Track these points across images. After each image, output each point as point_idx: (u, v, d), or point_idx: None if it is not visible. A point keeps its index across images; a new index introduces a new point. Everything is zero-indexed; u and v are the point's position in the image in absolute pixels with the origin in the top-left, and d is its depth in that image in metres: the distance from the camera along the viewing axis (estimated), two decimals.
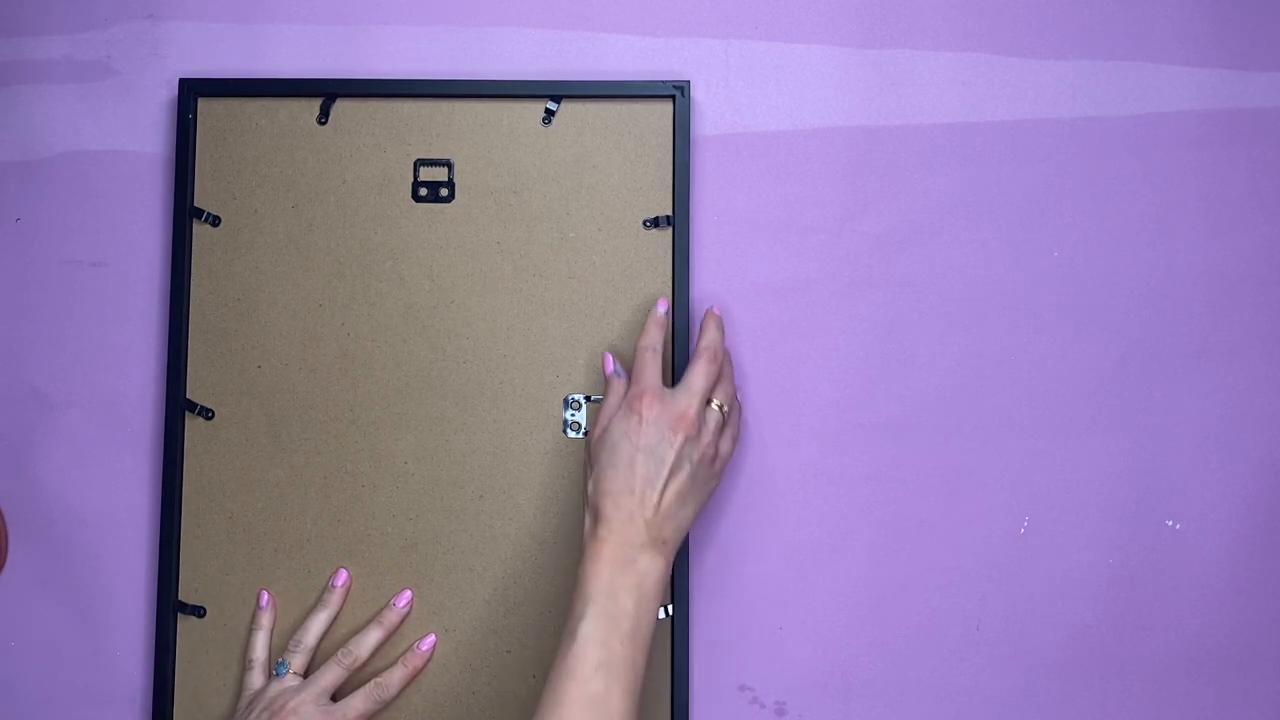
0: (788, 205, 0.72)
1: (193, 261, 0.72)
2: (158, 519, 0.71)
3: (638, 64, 0.73)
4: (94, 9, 0.74)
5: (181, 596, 0.70)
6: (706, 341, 0.66)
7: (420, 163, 0.72)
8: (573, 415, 0.70)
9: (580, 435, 0.71)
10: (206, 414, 0.71)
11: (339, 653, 0.68)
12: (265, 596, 0.70)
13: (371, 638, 0.68)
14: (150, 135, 0.73)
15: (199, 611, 0.70)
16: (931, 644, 0.70)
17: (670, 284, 0.70)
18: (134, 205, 0.73)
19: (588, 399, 0.70)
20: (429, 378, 0.71)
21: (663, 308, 0.68)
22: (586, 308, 0.71)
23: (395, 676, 0.68)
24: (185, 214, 0.71)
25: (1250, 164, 0.72)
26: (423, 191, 0.72)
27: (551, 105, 0.71)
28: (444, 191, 0.72)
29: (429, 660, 0.69)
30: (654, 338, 0.67)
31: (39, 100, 0.74)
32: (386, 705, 0.68)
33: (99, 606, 0.71)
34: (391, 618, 0.69)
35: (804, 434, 0.71)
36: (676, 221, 0.70)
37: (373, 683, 0.68)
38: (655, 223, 0.71)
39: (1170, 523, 0.71)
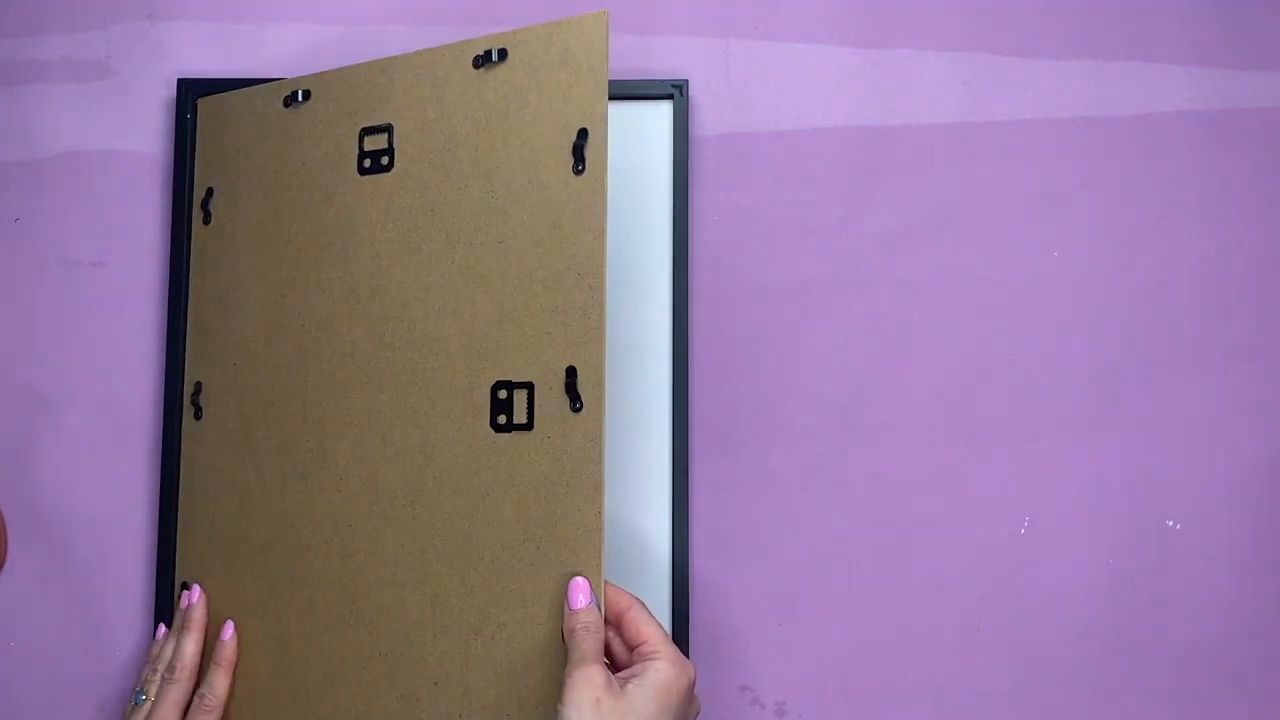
0: (788, 205, 0.72)
1: (189, 260, 0.71)
2: (157, 519, 0.71)
3: (637, 63, 0.73)
4: (94, 9, 0.74)
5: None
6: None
7: (364, 131, 0.67)
8: (497, 408, 0.61)
9: (509, 431, 0.61)
10: (196, 412, 0.70)
11: (196, 700, 0.64)
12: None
13: (221, 682, 0.65)
14: (149, 135, 0.73)
15: None
16: (931, 644, 0.70)
17: (604, 238, 0.60)
18: (133, 205, 0.73)
19: (513, 385, 0.61)
20: (369, 368, 0.65)
21: (575, 602, 0.57)
22: (516, 278, 0.62)
23: (217, 681, 0.65)
24: (184, 214, 0.71)
25: (1250, 164, 0.72)
26: (366, 163, 0.66)
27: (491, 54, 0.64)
28: (385, 160, 0.66)
29: (237, 646, 0.66)
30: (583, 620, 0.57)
31: (39, 100, 0.74)
32: (224, 707, 0.65)
33: (99, 606, 0.71)
34: (227, 654, 0.65)
35: (804, 434, 0.71)
36: (676, 221, 0.70)
37: (197, 696, 0.64)
38: (579, 158, 0.61)
39: (1170, 523, 0.71)
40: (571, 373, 0.59)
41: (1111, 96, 0.73)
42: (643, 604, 0.58)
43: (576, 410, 0.59)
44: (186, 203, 0.71)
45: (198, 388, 0.70)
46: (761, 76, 0.73)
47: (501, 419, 0.61)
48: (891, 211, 0.72)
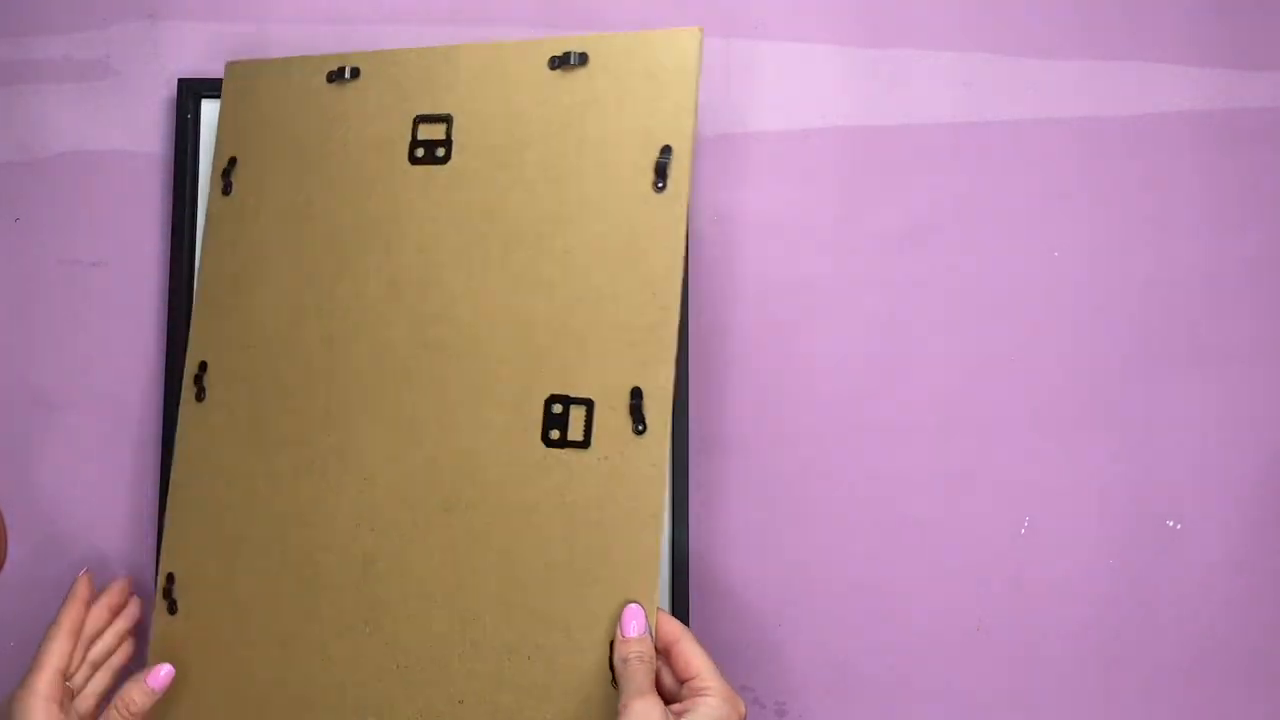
0: (788, 205, 0.72)
1: (206, 230, 0.68)
2: (158, 519, 0.71)
3: None
4: (94, 9, 0.74)
5: (174, 587, 0.67)
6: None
7: (420, 119, 0.64)
8: (551, 422, 0.59)
9: (561, 447, 0.59)
10: (199, 394, 0.66)
11: (115, 702, 0.61)
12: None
13: (144, 699, 0.62)
14: (150, 135, 0.73)
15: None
16: (931, 644, 0.70)
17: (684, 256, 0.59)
18: (134, 205, 0.73)
19: (570, 401, 0.59)
20: (407, 367, 0.62)
21: (629, 630, 0.56)
22: (581, 289, 0.60)
23: (136, 696, 0.62)
24: (184, 214, 0.71)
25: (1250, 164, 0.72)
26: (419, 152, 0.63)
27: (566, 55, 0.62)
28: (440, 151, 0.63)
29: (165, 689, 0.63)
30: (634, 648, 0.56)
31: (39, 100, 0.74)
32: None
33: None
34: (157, 684, 0.62)
35: (804, 434, 0.71)
36: None
37: (120, 702, 0.61)
38: (661, 175, 0.59)
39: (1170, 523, 0.71)
40: (637, 394, 0.58)
41: (1111, 96, 0.73)
42: (691, 634, 0.57)
43: (639, 433, 0.58)
44: (187, 202, 0.71)
45: (202, 367, 0.67)
46: (761, 76, 0.73)
47: (555, 434, 0.59)
48: (891, 211, 0.72)
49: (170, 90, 0.73)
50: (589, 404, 0.58)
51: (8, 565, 0.72)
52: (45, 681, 0.60)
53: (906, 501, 0.71)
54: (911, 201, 0.72)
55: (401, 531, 0.61)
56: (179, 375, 0.70)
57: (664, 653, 0.57)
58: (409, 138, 0.63)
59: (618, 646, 0.56)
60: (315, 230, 0.65)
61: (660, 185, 0.59)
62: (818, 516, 0.71)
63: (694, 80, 0.59)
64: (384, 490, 0.61)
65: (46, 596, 0.71)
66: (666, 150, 0.59)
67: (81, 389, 0.72)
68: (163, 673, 0.63)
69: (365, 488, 0.61)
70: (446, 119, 0.63)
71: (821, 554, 0.70)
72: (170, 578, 0.66)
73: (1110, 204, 0.72)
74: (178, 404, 0.70)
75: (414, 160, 0.63)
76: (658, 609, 0.57)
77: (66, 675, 0.62)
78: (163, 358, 0.72)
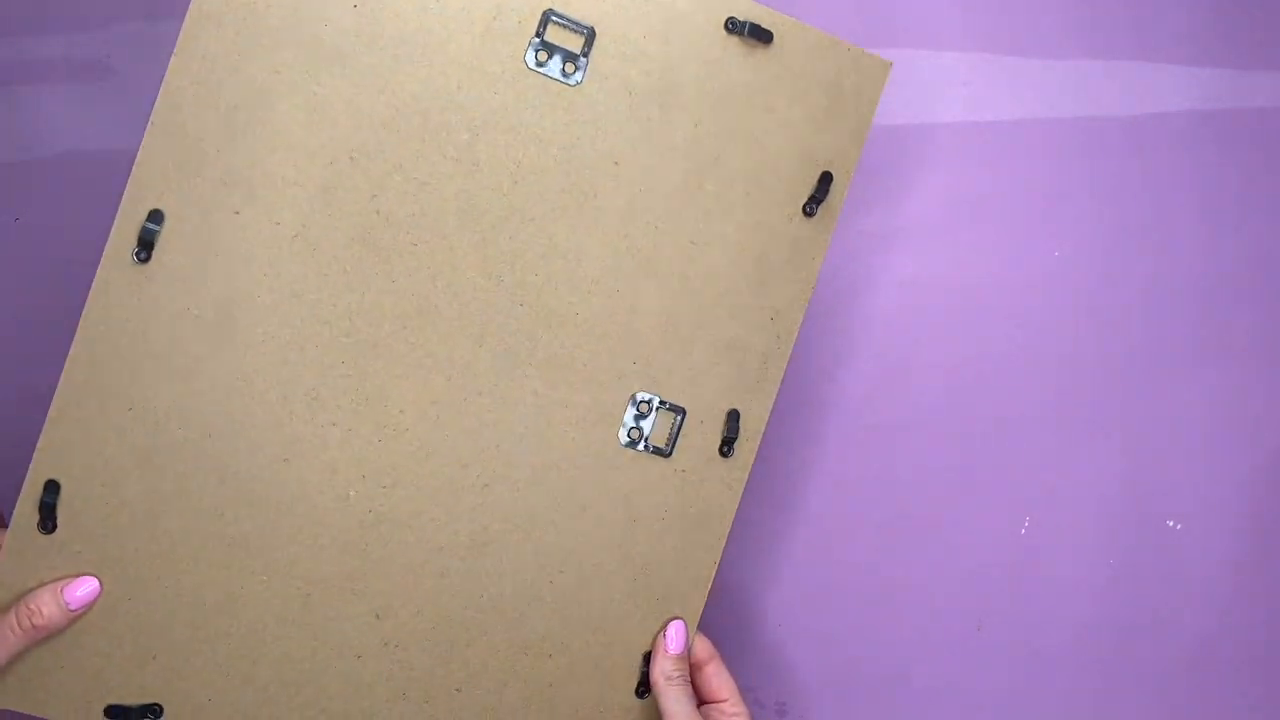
0: None
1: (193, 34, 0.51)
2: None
3: None
4: (93, 9, 0.74)
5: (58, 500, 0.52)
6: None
7: (551, 15, 0.51)
8: (634, 421, 0.54)
9: (640, 449, 0.54)
10: (142, 252, 0.50)
11: (17, 612, 0.49)
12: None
13: (56, 614, 0.50)
14: None
15: None
16: (931, 644, 0.70)
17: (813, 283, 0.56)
18: None
19: (661, 405, 0.54)
20: (468, 308, 0.52)
21: (674, 646, 0.55)
22: (698, 288, 0.54)
23: (46, 608, 0.49)
24: None
25: (1250, 164, 0.72)
26: (542, 56, 0.51)
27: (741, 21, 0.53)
28: (570, 68, 0.51)
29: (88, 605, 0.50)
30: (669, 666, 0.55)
31: (39, 100, 0.74)
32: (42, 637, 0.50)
33: None
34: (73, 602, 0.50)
35: (804, 433, 0.71)
36: None
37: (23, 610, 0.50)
38: (813, 202, 0.54)
39: (1170, 523, 0.71)
40: (734, 416, 0.55)
41: (1111, 96, 0.73)
42: (719, 657, 0.57)
43: (725, 455, 0.55)
44: None
45: (155, 217, 0.50)
46: None
47: (634, 434, 0.54)
48: (891, 211, 0.72)
49: None
50: (681, 413, 0.55)
51: None
52: None
53: (906, 501, 0.71)
54: (911, 201, 0.72)
55: (422, 498, 0.52)
56: None
57: (694, 671, 0.57)
58: (535, 34, 0.51)
59: (658, 661, 0.55)
60: (370, 94, 0.50)
61: (811, 210, 0.55)
62: (818, 517, 0.71)
63: (871, 111, 0.54)
64: (409, 446, 0.52)
65: None
66: (827, 178, 0.54)
67: None
68: (84, 589, 0.50)
69: (384, 435, 0.52)
70: (588, 32, 0.51)
71: (821, 554, 0.70)
72: (53, 485, 0.52)
73: (1110, 204, 0.72)
74: None
75: (537, 64, 0.51)
76: (696, 628, 0.57)
77: None
78: None
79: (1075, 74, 0.73)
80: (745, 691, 0.70)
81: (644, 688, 0.57)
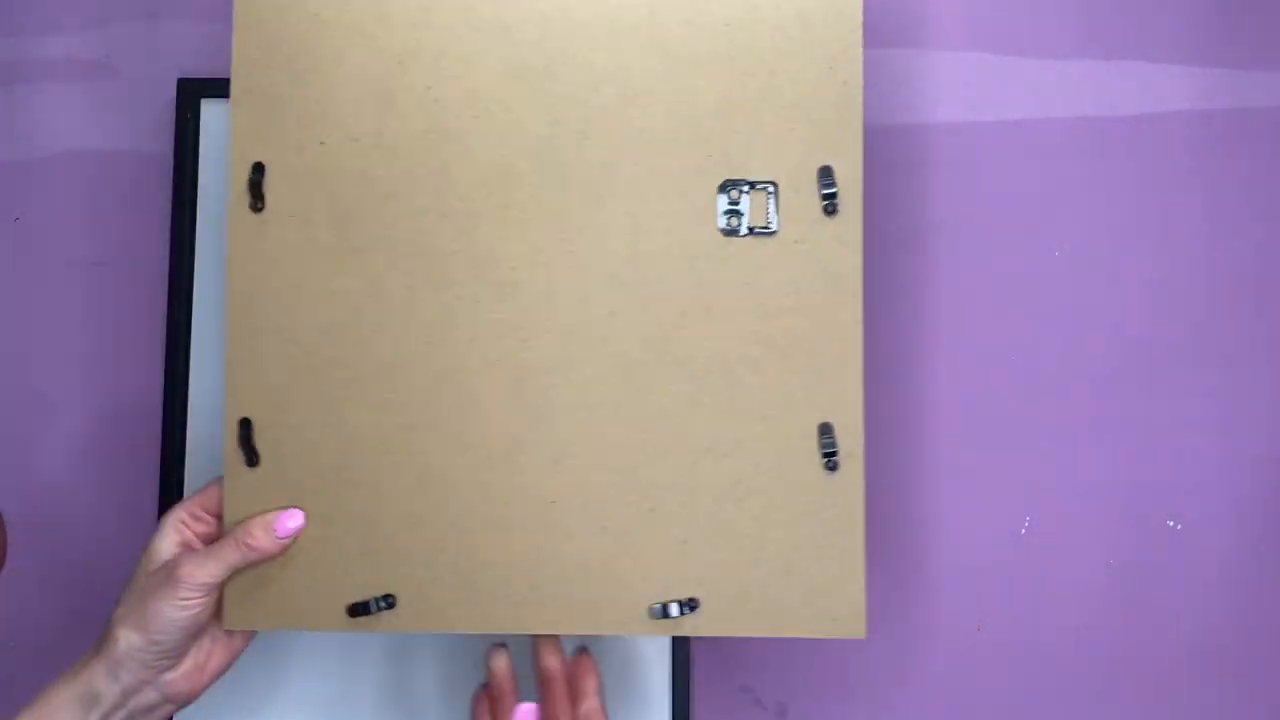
0: None
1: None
2: (157, 518, 0.71)
3: None
4: (94, 9, 0.74)
5: (253, 434, 0.57)
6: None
7: None
8: (731, 205, 0.55)
9: (743, 234, 0.55)
10: (254, 204, 0.56)
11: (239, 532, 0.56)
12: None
13: (266, 541, 0.56)
14: (150, 135, 0.73)
15: None
16: (931, 644, 0.70)
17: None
18: (134, 205, 0.73)
19: (752, 186, 0.55)
20: (542, 158, 0.55)
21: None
22: (749, 65, 0.55)
23: (259, 533, 0.56)
24: (185, 213, 0.71)
25: (1250, 164, 0.72)
26: None
27: None
28: None
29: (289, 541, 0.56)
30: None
31: (39, 100, 0.74)
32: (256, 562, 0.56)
33: (99, 606, 0.71)
34: (283, 530, 0.56)
35: None
36: None
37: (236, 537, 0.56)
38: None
39: (1170, 523, 0.71)
40: (827, 172, 0.57)
41: (1111, 96, 0.73)
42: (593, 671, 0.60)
43: (830, 213, 0.56)
44: (187, 202, 0.71)
45: (258, 169, 0.57)
46: None
47: (733, 221, 0.56)
48: (891, 211, 0.72)
49: (170, 90, 0.73)
50: (773, 186, 0.56)
51: (8, 565, 0.72)
52: (190, 504, 0.58)
53: (906, 501, 0.71)
54: (912, 201, 0.72)
55: (560, 341, 0.55)
56: (179, 375, 0.70)
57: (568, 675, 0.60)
58: None
59: None
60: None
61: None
62: None
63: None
64: (531, 298, 0.55)
65: (46, 596, 0.71)
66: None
67: (82, 390, 0.72)
68: (294, 521, 0.56)
69: (506, 295, 0.55)
70: None
71: None
72: (246, 424, 0.57)
73: (1110, 204, 0.72)
74: (178, 404, 0.70)
75: None
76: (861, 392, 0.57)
77: (212, 513, 0.58)
78: (163, 358, 0.72)
79: (1075, 74, 0.73)
80: (745, 691, 0.70)
81: (831, 459, 0.57)
